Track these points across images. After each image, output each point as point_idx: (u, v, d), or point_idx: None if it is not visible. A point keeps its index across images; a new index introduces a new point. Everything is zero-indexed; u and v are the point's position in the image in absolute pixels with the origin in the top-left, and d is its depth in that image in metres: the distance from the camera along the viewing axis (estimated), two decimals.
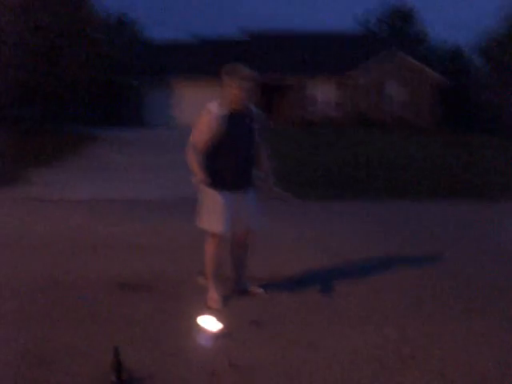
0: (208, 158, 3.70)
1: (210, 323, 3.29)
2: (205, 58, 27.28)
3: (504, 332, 3.45)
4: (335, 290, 4.18)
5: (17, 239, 5.63)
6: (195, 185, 3.63)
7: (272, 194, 4.06)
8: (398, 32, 36.81)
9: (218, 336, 3.27)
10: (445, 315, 3.70)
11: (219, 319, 3.36)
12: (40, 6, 18.42)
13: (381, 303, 3.92)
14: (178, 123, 25.55)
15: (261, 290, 4.05)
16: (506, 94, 27.98)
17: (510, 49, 28.67)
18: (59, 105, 21.49)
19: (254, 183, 3.92)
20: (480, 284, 4.40)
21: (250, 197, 3.88)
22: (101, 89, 25.95)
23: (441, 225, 6.75)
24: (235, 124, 3.67)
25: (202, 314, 3.42)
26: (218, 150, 3.68)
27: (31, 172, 10.53)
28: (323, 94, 26.73)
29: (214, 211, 3.69)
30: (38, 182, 9.65)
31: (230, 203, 3.75)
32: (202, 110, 3.77)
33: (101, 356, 2.99)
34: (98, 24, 23.93)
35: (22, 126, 18.20)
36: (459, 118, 28.79)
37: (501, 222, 7.01)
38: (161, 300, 3.92)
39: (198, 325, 3.30)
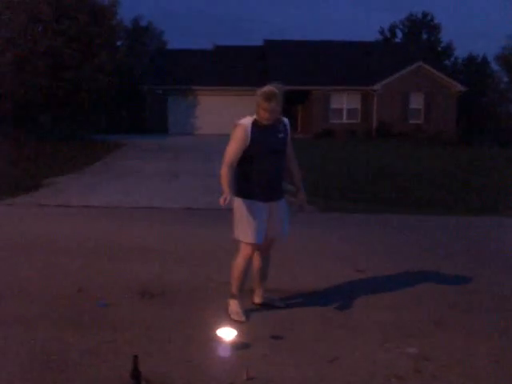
0: (241, 170, 3.70)
1: (229, 335, 3.29)
2: (225, 67, 27.51)
3: None
4: (357, 304, 4.14)
5: (39, 245, 5.71)
6: (222, 203, 3.49)
7: (300, 206, 4.01)
8: (424, 44, 36.63)
9: (237, 348, 3.26)
10: (470, 334, 3.63)
11: (239, 331, 3.36)
12: (65, 14, 18.83)
13: (403, 319, 3.87)
14: (201, 132, 25.78)
15: (281, 303, 4.03)
16: None
17: None
18: (82, 112, 21.84)
19: (284, 193, 3.93)
20: (506, 302, 4.31)
21: (281, 206, 3.89)
22: (125, 97, 26.37)
23: (467, 239, 6.64)
24: (267, 137, 3.69)
25: (222, 325, 3.42)
26: (251, 162, 3.68)
27: (55, 179, 10.72)
28: (346, 104, 26.66)
29: (246, 222, 3.69)
30: (61, 188, 9.81)
31: (263, 213, 3.75)
32: (233, 124, 3.75)
33: (120, 363, 3.01)
34: (122, 32, 24.33)
35: (45, 132, 18.55)
36: (482, 130, 28.44)
37: None
38: (181, 308, 3.93)
39: (217, 336, 3.30)
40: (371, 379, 2.98)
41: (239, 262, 3.81)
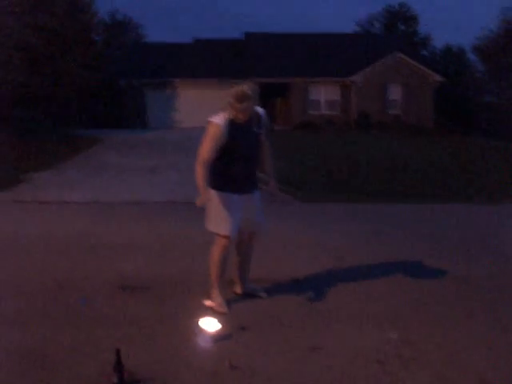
0: (216, 163, 3.70)
1: (211, 325, 3.30)
2: (205, 60, 27.38)
3: (505, 335, 3.44)
4: (337, 292, 4.19)
5: (18, 241, 5.65)
6: (198, 204, 3.54)
7: (271, 195, 4.01)
8: (401, 35, 36.89)
9: (219, 338, 3.28)
10: (447, 318, 3.71)
11: (221, 322, 3.37)
12: (40, 7, 18.49)
13: (382, 305, 3.92)
14: (180, 125, 25.63)
15: (263, 293, 4.06)
16: (503, 95, 28.02)
17: (506, 49, 28.74)
18: (60, 107, 21.54)
19: (258, 185, 3.94)
20: (485, 288, 4.40)
21: (256, 198, 3.91)
22: (102, 90, 26.03)
23: (445, 227, 6.74)
24: (241, 132, 3.68)
25: (205, 316, 3.43)
26: (224, 157, 3.67)
27: (32, 174, 10.57)
28: (325, 95, 26.75)
29: (221, 214, 3.70)
30: (39, 184, 9.68)
31: (238, 206, 3.77)
32: (206, 122, 3.72)
33: (103, 356, 3.00)
34: (99, 26, 24.00)
35: (22, 128, 18.25)
36: (459, 119, 28.82)
37: (506, 223, 7.01)
38: (163, 301, 3.93)
39: (199, 327, 3.31)
40: (353, 364, 3.02)
41: (215, 254, 3.83)
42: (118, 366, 2.72)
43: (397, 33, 37.92)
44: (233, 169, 3.72)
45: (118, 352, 2.74)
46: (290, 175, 10.74)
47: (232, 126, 3.64)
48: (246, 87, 3.59)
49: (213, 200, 3.70)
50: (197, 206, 3.55)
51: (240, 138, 3.68)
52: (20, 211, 7.39)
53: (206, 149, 3.63)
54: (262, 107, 3.85)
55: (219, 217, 3.69)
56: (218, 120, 3.66)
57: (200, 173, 3.59)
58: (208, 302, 3.83)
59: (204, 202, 3.53)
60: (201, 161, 3.61)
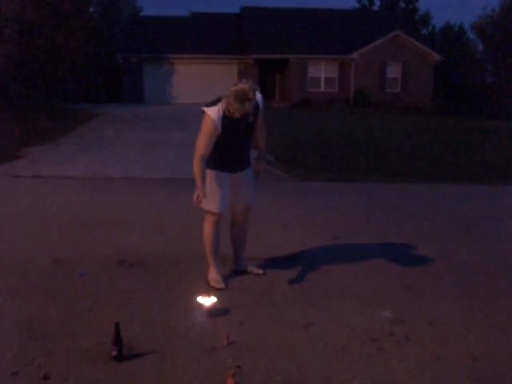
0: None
1: (209, 302, 3.35)
2: (202, 35, 27.03)
3: (496, 314, 3.51)
4: (332, 270, 4.24)
5: (16, 216, 5.66)
6: (195, 200, 3.50)
7: (256, 173, 4.01)
8: (401, 12, 36.48)
9: (216, 314, 3.33)
10: (441, 298, 3.77)
11: (219, 298, 3.42)
12: None
13: (377, 285, 3.98)
14: (177, 101, 25.45)
15: (260, 271, 4.10)
16: (500, 75, 27.89)
17: (504, 28, 28.52)
18: (56, 81, 21.32)
19: (250, 162, 3.95)
20: (475, 267, 4.46)
21: (247, 174, 3.93)
22: (99, 65, 25.75)
23: (442, 208, 6.79)
24: (235, 124, 3.62)
25: (202, 292, 3.47)
26: (218, 142, 3.65)
27: (29, 149, 10.53)
28: (324, 73, 26.55)
29: (211, 191, 3.72)
30: (36, 159, 9.65)
31: (229, 183, 3.79)
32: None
33: (101, 330, 3.05)
34: None
35: (20, 103, 18.10)
36: (457, 99, 28.74)
37: (503, 204, 7.07)
38: (160, 277, 3.97)
39: (197, 303, 3.36)
40: (347, 342, 3.08)
41: (206, 230, 3.86)
42: (117, 339, 2.76)
43: (397, 10, 37.46)
44: (226, 152, 3.73)
45: (117, 325, 2.78)
46: (287, 153, 10.75)
47: (226, 118, 3.59)
48: (247, 88, 3.44)
49: (205, 178, 3.70)
50: (194, 203, 3.53)
51: (234, 129, 3.65)
52: (17, 186, 7.38)
53: (203, 145, 3.60)
54: (260, 85, 3.77)
55: (210, 194, 3.70)
56: (213, 114, 3.57)
57: (197, 169, 3.57)
58: (205, 278, 3.87)
59: (201, 198, 3.52)
60: (198, 157, 3.58)
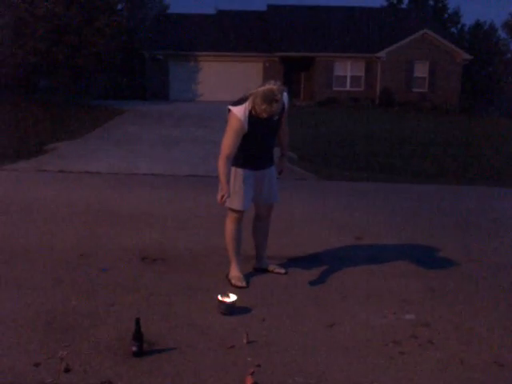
0: None
1: (230, 299, 3.33)
2: (228, 33, 27.08)
3: None
4: (355, 271, 4.19)
5: (41, 210, 5.74)
6: (220, 199, 3.48)
7: (279, 171, 4.01)
8: (430, 10, 35.94)
9: (237, 312, 3.31)
10: (466, 302, 3.68)
11: (239, 296, 3.40)
12: None
13: (401, 286, 3.91)
14: (202, 98, 25.57)
15: (282, 269, 4.08)
16: None
17: None
18: (83, 78, 21.62)
19: (274, 160, 3.94)
20: (502, 271, 4.36)
21: (272, 172, 3.91)
22: (125, 62, 26.00)
23: (467, 210, 6.66)
24: (261, 123, 3.59)
25: (223, 289, 3.46)
26: (243, 141, 3.62)
27: (56, 144, 10.70)
28: (351, 71, 26.33)
29: (235, 189, 3.71)
30: (62, 153, 9.80)
31: (252, 180, 3.78)
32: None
33: (122, 325, 3.07)
34: None
35: (48, 99, 18.41)
36: (487, 99, 28.20)
37: None
38: (182, 273, 3.98)
39: (218, 300, 3.35)
40: (368, 344, 3.03)
41: (229, 228, 3.85)
42: (138, 335, 2.77)
43: (425, 8, 36.92)
44: (250, 150, 3.71)
45: (137, 321, 2.79)
46: (310, 151, 10.69)
47: (252, 117, 3.56)
48: (276, 89, 3.41)
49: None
50: (218, 203, 3.51)
51: (259, 128, 3.62)
52: (43, 180, 7.50)
53: (229, 144, 3.56)
54: (285, 83, 3.73)
55: (233, 192, 3.68)
56: (239, 113, 3.54)
57: (222, 168, 3.53)
58: (227, 276, 3.87)
59: (225, 197, 3.50)
60: (224, 156, 3.55)
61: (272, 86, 3.44)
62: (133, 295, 3.55)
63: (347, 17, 27.99)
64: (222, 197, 3.48)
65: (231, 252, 3.89)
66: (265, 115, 3.50)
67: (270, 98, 3.41)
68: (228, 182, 3.56)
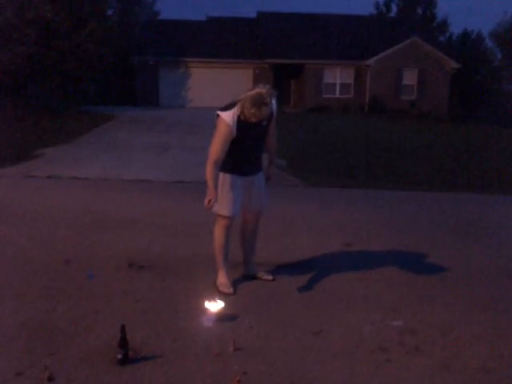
0: None
1: (217, 306, 3.31)
2: (218, 40, 27.12)
3: (509, 325, 3.43)
4: (343, 277, 4.19)
5: (27, 215, 5.69)
6: (206, 204, 3.48)
7: (267, 178, 4.00)
8: (418, 19, 36.27)
9: (224, 319, 3.30)
10: (453, 308, 3.69)
11: (227, 303, 3.39)
12: None
13: (388, 293, 3.91)
14: (192, 104, 25.55)
15: (270, 276, 4.07)
16: None
17: None
18: (73, 83, 21.53)
19: (262, 166, 3.93)
20: (491, 278, 4.38)
21: (260, 178, 3.91)
22: (115, 67, 25.91)
23: (455, 216, 6.70)
24: (249, 128, 3.59)
25: (210, 296, 3.44)
26: (231, 146, 3.62)
27: (45, 149, 10.62)
28: (340, 79, 26.46)
29: (223, 194, 3.69)
30: (51, 159, 9.73)
31: (241, 187, 3.77)
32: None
33: (108, 333, 3.03)
34: (113, 1, 23.81)
35: (35, 103, 18.30)
36: (474, 107, 28.47)
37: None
38: (169, 280, 3.95)
39: (205, 307, 3.33)
40: (355, 351, 3.02)
41: (217, 234, 3.83)
42: (123, 342, 2.74)
43: (414, 17, 37.24)
44: (239, 156, 3.70)
45: (123, 328, 2.76)
46: (299, 158, 10.71)
47: (241, 122, 3.55)
48: (265, 92, 3.42)
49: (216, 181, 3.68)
50: (205, 208, 3.51)
51: (248, 133, 3.62)
52: (31, 186, 7.44)
53: (217, 149, 3.56)
54: (275, 90, 3.72)
55: (221, 198, 3.67)
56: (228, 118, 3.54)
57: (210, 173, 3.52)
58: (214, 282, 3.85)
59: (212, 202, 3.50)
60: (211, 161, 3.54)
61: (261, 89, 3.45)
62: (119, 302, 3.52)
63: (337, 24, 28.15)
64: (209, 201, 3.47)
65: (219, 259, 3.88)
66: (254, 119, 3.50)
67: (259, 102, 3.41)
68: (215, 187, 3.55)
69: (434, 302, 3.79)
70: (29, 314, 3.28)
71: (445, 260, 4.75)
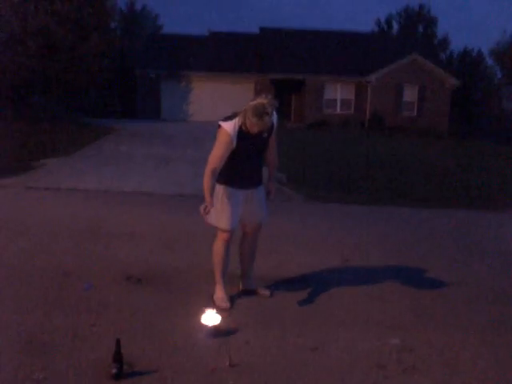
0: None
1: (214, 321, 3.29)
2: (220, 54, 27.31)
3: (507, 343, 3.40)
4: (341, 293, 4.16)
5: (26, 227, 5.68)
6: (202, 211, 3.51)
7: (267, 194, 3.99)
8: (419, 36, 36.59)
9: (220, 333, 3.27)
10: (452, 326, 3.67)
11: (224, 317, 3.36)
12: None
13: (384, 309, 3.89)
14: (193, 118, 25.65)
15: (267, 291, 4.05)
16: None
17: None
18: (75, 95, 21.64)
19: (262, 180, 3.93)
20: (489, 296, 4.35)
21: (259, 191, 3.90)
22: (117, 80, 26.08)
23: (456, 233, 6.68)
24: (249, 140, 3.61)
25: (207, 311, 3.42)
26: (231, 157, 3.63)
27: (45, 161, 10.63)
28: (341, 95, 26.59)
29: (222, 207, 3.69)
30: (51, 170, 9.73)
31: (240, 200, 3.76)
32: (219, 119, 3.65)
33: (103, 345, 3.01)
34: (115, 11, 24.03)
35: (37, 115, 18.36)
36: (474, 124, 28.59)
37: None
38: (166, 293, 3.93)
39: (202, 321, 3.31)
40: (353, 368, 3.00)
41: (217, 248, 3.83)
42: (118, 356, 2.72)
43: (415, 34, 37.57)
44: (238, 167, 3.70)
45: (118, 342, 2.74)
46: (299, 173, 10.72)
47: (242, 133, 3.57)
48: (267, 103, 3.44)
49: (214, 194, 3.69)
50: (201, 214, 3.53)
51: (248, 145, 3.64)
52: (31, 197, 7.43)
53: (216, 158, 3.58)
54: (276, 101, 3.72)
55: (220, 211, 3.68)
56: (229, 128, 3.56)
57: (207, 182, 3.55)
58: (211, 296, 3.83)
59: (208, 210, 3.51)
60: (210, 169, 3.56)
61: (263, 100, 3.46)
62: (115, 315, 3.50)
63: (338, 41, 28.36)
64: (205, 208, 3.48)
65: (217, 273, 3.86)
66: (255, 129, 3.51)
67: (260, 112, 3.43)
68: (211, 194, 3.56)
69: (432, 320, 3.77)
70: (25, 326, 3.26)
71: (445, 277, 4.73)
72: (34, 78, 18.55)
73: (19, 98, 19.29)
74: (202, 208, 3.51)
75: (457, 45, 53.85)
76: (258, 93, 3.57)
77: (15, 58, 17.52)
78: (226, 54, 27.42)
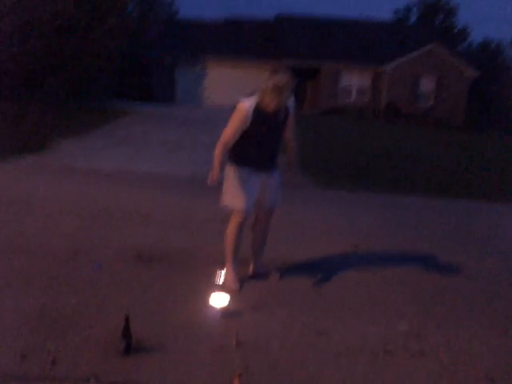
0: (237, 141, 3.66)
1: (222, 301, 3.32)
2: (235, 40, 27.20)
3: None
4: (349, 279, 4.17)
5: (40, 205, 5.74)
6: (209, 183, 3.53)
7: (288, 179, 4.00)
8: (438, 26, 36.08)
9: (228, 314, 3.30)
10: (461, 314, 3.66)
11: (232, 298, 3.39)
12: None
13: (395, 296, 3.89)
14: (207, 102, 25.65)
15: (276, 275, 4.06)
16: None
17: None
18: (90, 78, 21.67)
19: (278, 165, 3.92)
20: (498, 286, 4.33)
21: (275, 177, 3.89)
22: (133, 64, 26.09)
23: (464, 223, 6.64)
24: (265, 120, 3.60)
25: (216, 290, 3.45)
26: (246, 137, 3.63)
27: (60, 141, 10.72)
28: (357, 83, 26.37)
29: (238, 189, 3.69)
30: (66, 150, 9.81)
31: (255, 183, 3.75)
32: (236, 102, 3.67)
33: (113, 322, 3.05)
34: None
35: (53, 97, 18.46)
36: (492, 116, 28.21)
37: None
38: (177, 273, 3.96)
39: (210, 301, 3.34)
40: (359, 352, 3.01)
41: (230, 230, 3.83)
42: (127, 332, 2.76)
43: (434, 24, 37.04)
44: (254, 149, 3.69)
45: (127, 319, 2.77)
46: (311, 159, 10.69)
47: (258, 112, 3.56)
48: (286, 78, 3.42)
49: (230, 175, 3.70)
50: (208, 185, 3.55)
51: (263, 126, 3.62)
52: (44, 176, 7.50)
53: (230, 132, 3.59)
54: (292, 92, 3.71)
55: (235, 192, 3.68)
56: (246, 104, 3.56)
57: (218, 154, 3.57)
58: (221, 277, 3.85)
59: (215, 182, 3.52)
60: (222, 142, 3.59)
61: (281, 76, 3.44)
62: (126, 293, 3.54)
63: (355, 29, 28.07)
64: (212, 176, 3.51)
65: (229, 255, 3.88)
66: (272, 105, 3.49)
67: (281, 87, 3.41)
68: (220, 165, 3.57)
69: (440, 306, 3.76)
70: (36, 302, 3.31)
71: (454, 265, 4.72)
72: (49, 61, 18.59)
73: (34, 80, 19.40)
74: (209, 180, 3.53)
75: (477, 35, 52.96)
76: (274, 71, 3.55)
77: (31, 40, 17.55)
78: (242, 39, 27.30)
